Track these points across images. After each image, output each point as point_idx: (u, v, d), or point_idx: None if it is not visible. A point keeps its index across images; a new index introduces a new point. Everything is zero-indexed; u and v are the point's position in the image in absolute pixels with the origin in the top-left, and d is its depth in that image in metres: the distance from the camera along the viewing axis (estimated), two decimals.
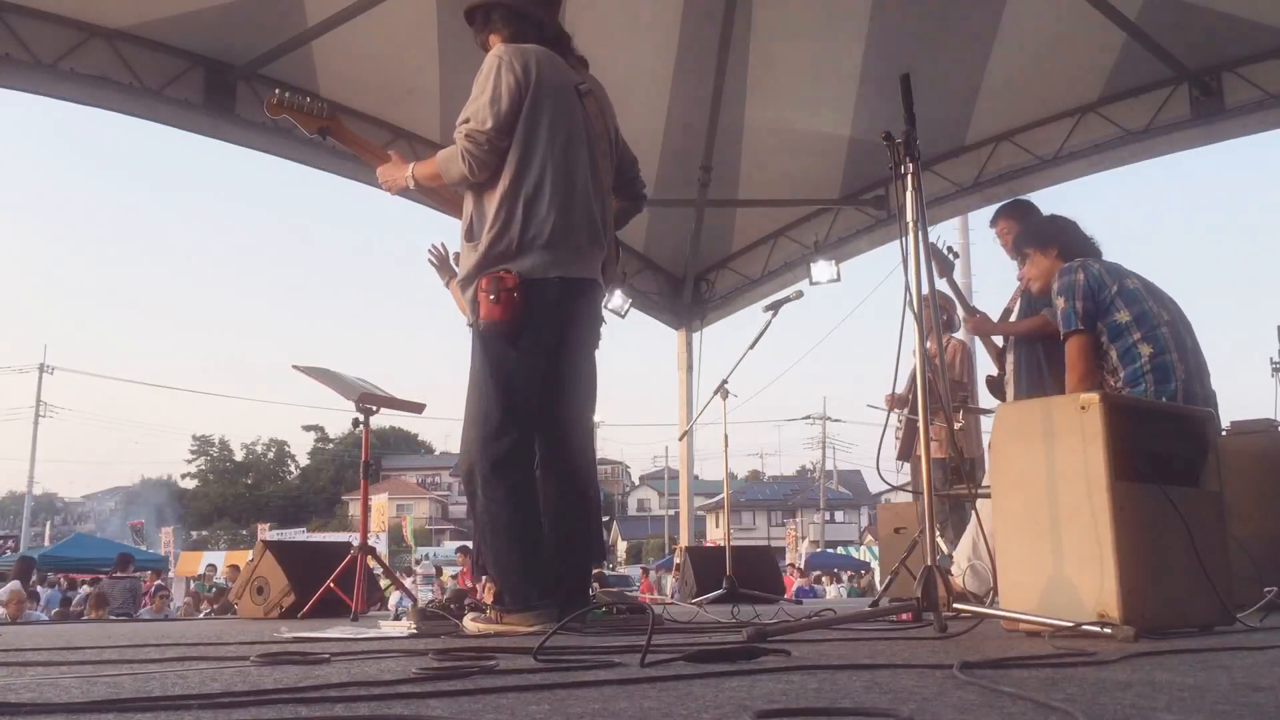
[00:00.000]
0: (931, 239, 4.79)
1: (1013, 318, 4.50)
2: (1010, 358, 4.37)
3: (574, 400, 3.17)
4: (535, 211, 2.99)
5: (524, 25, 3.14)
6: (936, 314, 3.21)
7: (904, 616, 2.78)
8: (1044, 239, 3.70)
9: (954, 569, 4.14)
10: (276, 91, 3.46)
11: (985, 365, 4.84)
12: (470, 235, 3.05)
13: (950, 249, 4.75)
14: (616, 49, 6.97)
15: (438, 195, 3.33)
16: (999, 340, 4.56)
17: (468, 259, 3.04)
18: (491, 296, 2.92)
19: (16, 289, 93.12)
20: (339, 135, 3.51)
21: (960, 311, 4.84)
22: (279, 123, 3.71)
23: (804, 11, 7.00)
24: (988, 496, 2.76)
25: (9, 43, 5.90)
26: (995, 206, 8.38)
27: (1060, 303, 3.36)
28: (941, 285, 4.74)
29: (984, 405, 5.95)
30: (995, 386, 4.53)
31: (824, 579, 23.54)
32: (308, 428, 64.75)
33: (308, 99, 3.49)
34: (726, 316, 10.20)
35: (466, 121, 3.01)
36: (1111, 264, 3.43)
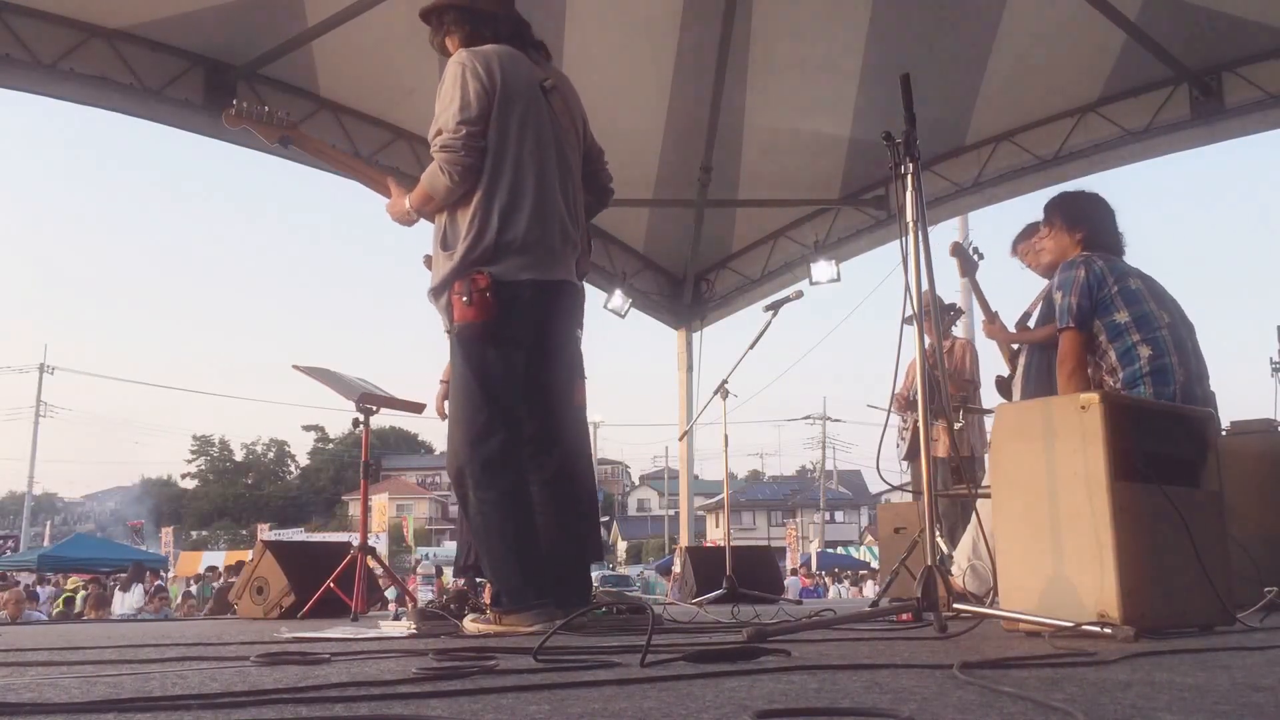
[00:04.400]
0: (959, 239, 4.80)
1: (1031, 322, 4.49)
2: (1022, 360, 4.36)
3: (556, 399, 3.17)
4: (509, 217, 2.99)
5: (479, 23, 3.14)
6: (937, 314, 3.20)
7: (904, 616, 2.78)
8: (1075, 218, 3.58)
9: (954, 569, 4.14)
10: (234, 103, 3.44)
11: (996, 364, 4.82)
12: (445, 244, 3.04)
13: (976, 249, 4.74)
14: (616, 49, 6.98)
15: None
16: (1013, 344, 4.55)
17: (442, 267, 3.03)
18: (464, 298, 2.93)
19: (17, 288, 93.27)
20: (301, 143, 3.51)
21: (980, 314, 4.80)
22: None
23: (804, 11, 6.99)
24: (988, 496, 2.76)
25: (9, 43, 5.90)
26: (997, 207, 8.46)
27: (1058, 296, 3.35)
28: (956, 285, 4.72)
29: (987, 405, 5.95)
30: (1003, 387, 4.52)
31: (826, 579, 23.57)
32: (308, 428, 64.88)
33: (266, 108, 3.48)
34: (726, 316, 10.20)
35: (439, 134, 3.01)
36: (1117, 262, 3.41)
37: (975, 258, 4.74)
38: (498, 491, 2.94)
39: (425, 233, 3.29)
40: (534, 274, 3.01)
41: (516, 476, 2.99)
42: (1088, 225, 3.55)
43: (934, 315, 2.99)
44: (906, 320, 2.79)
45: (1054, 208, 3.67)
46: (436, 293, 3.07)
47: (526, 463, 3.06)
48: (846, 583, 23.96)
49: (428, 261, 4.68)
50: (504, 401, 3.00)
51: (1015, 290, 4.88)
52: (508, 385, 3.01)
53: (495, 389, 2.99)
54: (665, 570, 23.13)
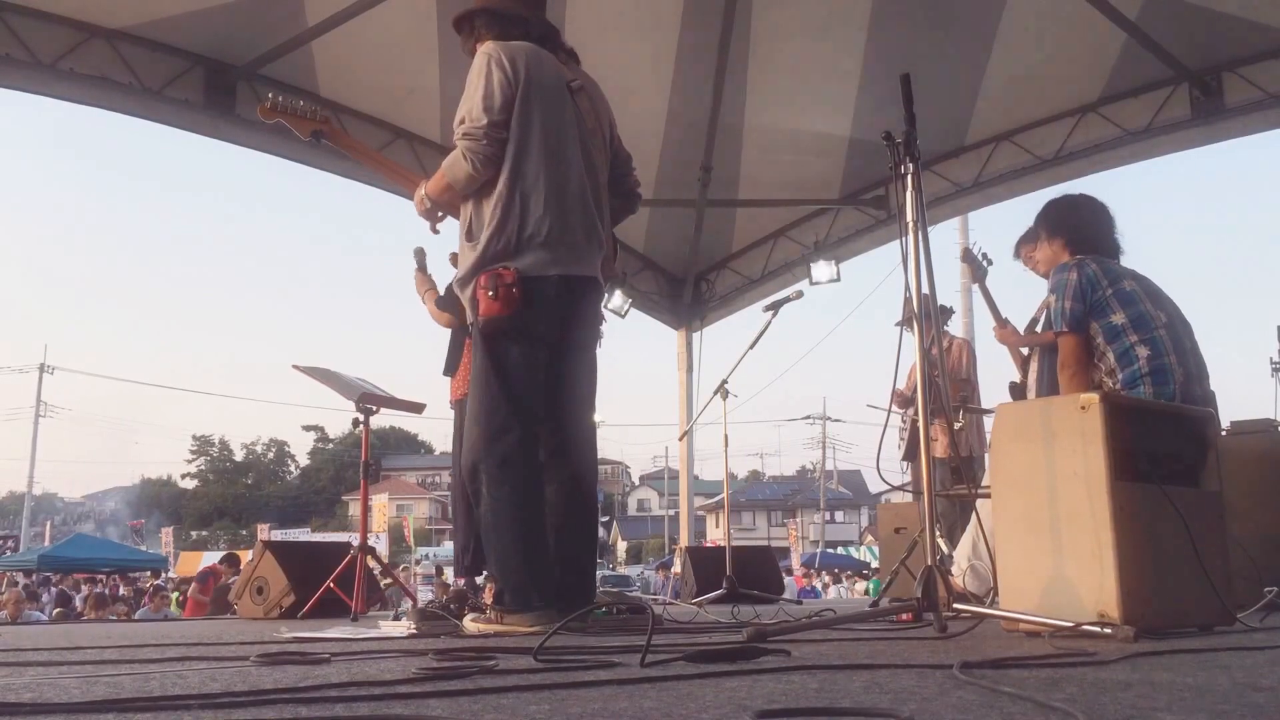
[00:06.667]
0: (968, 244, 4.78)
1: (1038, 328, 4.48)
2: (1034, 365, 4.36)
3: (575, 399, 3.17)
4: (532, 209, 2.99)
5: (508, 26, 3.16)
6: (936, 314, 3.20)
7: (904, 616, 2.78)
8: (1054, 226, 3.63)
9: (954, 569, 4.14)
10: (270, 95, 3.48)
11: (992, 365, 4.81)
12: (470, 235, 3.06)
13: (985, 255, 4.73)
14: (616, 49, 6.97)
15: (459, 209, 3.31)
16: (1024, 348, 4.55)
17: (466, 259, 3.04)
18: (490, 293, 2.92)
19: (16, 289, 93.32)
20: (333, 138, 3.52)
21: (992, 320, 4.78)
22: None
23: (804, 11, 6.99)
24: (988, 496, 2.76)
25: (9, 43, 5.90)
26: (997, 207, 8.47)
27: (1053, 300, 3.36)
28: (955, 286, 4.72)
29: (986, 405, 5.95)
30: (1017, 392, 4.51)
31: (826, 578, 23.56)
32: (308, 428, 64.92)
33: (300, 102, 3.50)
34: (726, 316, 10.20)
35: (462, 122, 3.02)
36: (1110, 264, 3.42)
37: (985, 263, 4.73)
38: (511, 489, 2.92)
39: (425, 231, 3.28)
40: (560, 269, 3.00)
41: (532, 475, 2.97)
42: (1066, 232, 3.58)
43: (934, 317, 2.99)
44: (902, 323, 2.79)
45: (1039, 219, 3.73)
46: (461, 285, 3.07)
47: (543, 462, 3.04)
48: (848, 582, 23.98)
49: (454, 259, 4.73)
50: (524, 399, 2.99)
51: (1022, 294, 4.88)
52: (529, 382, 3.00)
53: (516, 386, 2.98)
54: (665, 569, 23.10)
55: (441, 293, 5.16)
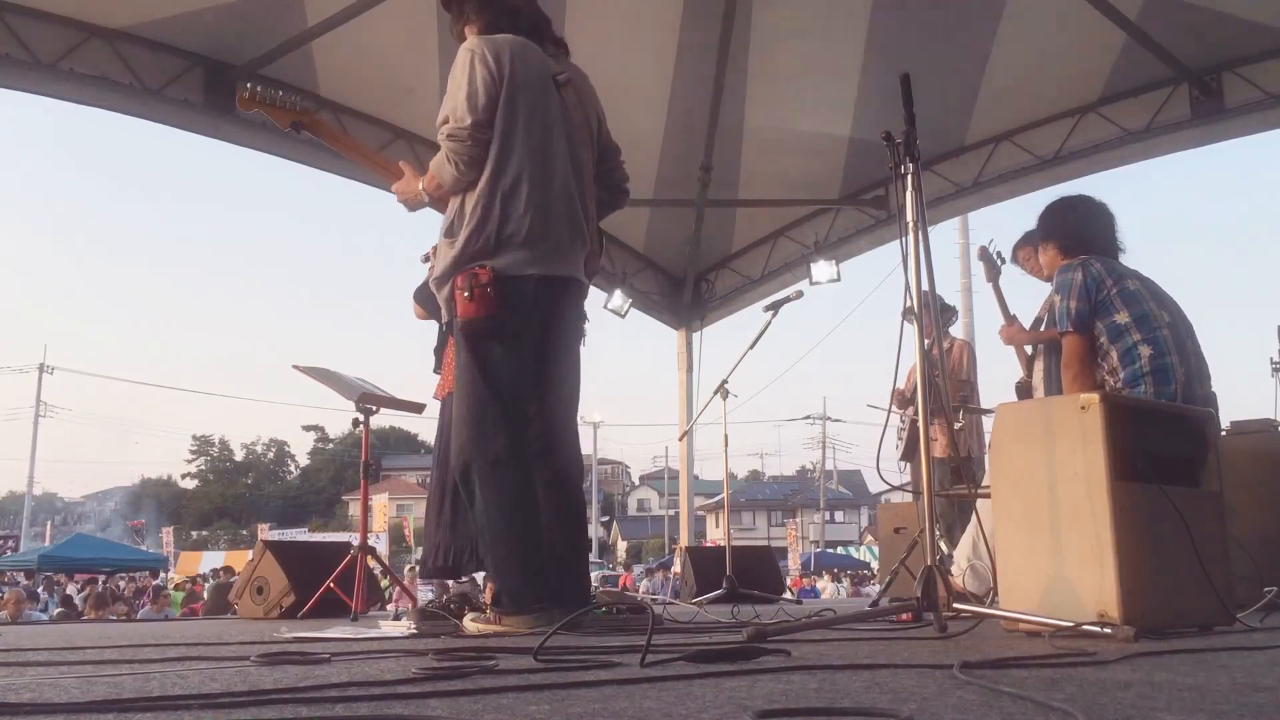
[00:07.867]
0: (983, 242, 4.79)
1: (1043, 326, 4.48)
2: (1040, 364, 4.36)
3: (559, 400, 3.13)
4: (513, 208, 2.95)
5: (497, 14, 3.11)
6: (936, 314, 3.20)
7: (904, 616, 2.78)
8: (1049, 231, 3.66)
9: (954, 569, 4.14)
10: (248, 85, 3.42)
11: (993, 366, 4.80)
12: (449, 232, 3.01)
13: (999, 254, 4.73)
14: (616, 49, 6.98)
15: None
16: (1028, 347, 4.55)
17: (444, 256, 3.00)
18: (466, 293, 2.89)
19: (16, 289, 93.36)
20: (314, 129, 3.48)
21: (1001, 318, 4.78)
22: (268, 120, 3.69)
23: (804, 11, 7.00)
24: (988, 496, 2.76)
25: (9, 43, 5.90)
26: (997, 207, 8.47)
27: (1057, 300, 3.36)
28: (956, 286, 4.71)
29: (985, 405, 5.95)
30: (1023, 391, 4.51)
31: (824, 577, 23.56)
32: (308, 428, 64.86)
33: (280, 93, 3.45)
34: (726, 316, 10.20)
35: (445, 122, 2.99)
36: (1113, 264, 3.42)
37: (999, 262, 4.74)
38: (504, 491, 2.90)
39: (426, 232, 3.29)
40: (539, 269, 2.96)
41: (524, 476, 2.95)
42: (1059, 236, 3.61)
43: (934, 315, 2.98)
44: (905, 314, 2.78)
45: (1038, 224, 3.75)
46: (438, 284, 3.04)
47: (531, 462, 3.02)
48: (847, 582, 24.01)
49: (425, 259, 4.71)
50: (510, 398, 2.96)
51: (1022, 294, 4.88)
52: (514, 381, 2.97)
53: (502, 386, 2.95)
54: (664, 569, 23.11)
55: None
